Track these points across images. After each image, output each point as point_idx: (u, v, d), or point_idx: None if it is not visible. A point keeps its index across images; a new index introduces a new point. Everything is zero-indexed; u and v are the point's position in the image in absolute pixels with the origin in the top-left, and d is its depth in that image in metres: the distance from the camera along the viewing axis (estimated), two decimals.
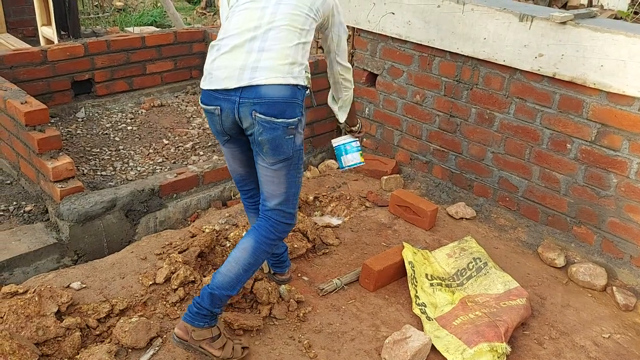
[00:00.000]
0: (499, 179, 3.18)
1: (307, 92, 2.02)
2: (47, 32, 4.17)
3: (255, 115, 1.90)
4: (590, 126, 2.75)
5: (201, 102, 2.03)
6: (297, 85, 1.93)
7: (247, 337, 2.20)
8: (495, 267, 2.66)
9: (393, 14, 3.34)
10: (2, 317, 2.12)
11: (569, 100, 2.78)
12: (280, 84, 1.90)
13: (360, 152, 2.60)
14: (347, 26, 3.70)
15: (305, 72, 1.99)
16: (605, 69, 2.59)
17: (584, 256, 2.87)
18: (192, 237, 2.72)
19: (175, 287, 2.38)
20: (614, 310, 2.59)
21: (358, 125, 2.60)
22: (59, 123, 3.76)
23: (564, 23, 2.65)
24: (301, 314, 2.35)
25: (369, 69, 3.65)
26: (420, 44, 3.29)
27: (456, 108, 3.27)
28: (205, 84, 1.99)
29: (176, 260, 2.46)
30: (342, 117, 2.46)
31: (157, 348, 2.11)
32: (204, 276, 2.47)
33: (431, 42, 3.22)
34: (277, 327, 2.29)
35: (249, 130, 1.97)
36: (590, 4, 2.95)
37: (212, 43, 2.04)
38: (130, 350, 2.09)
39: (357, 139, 2.60)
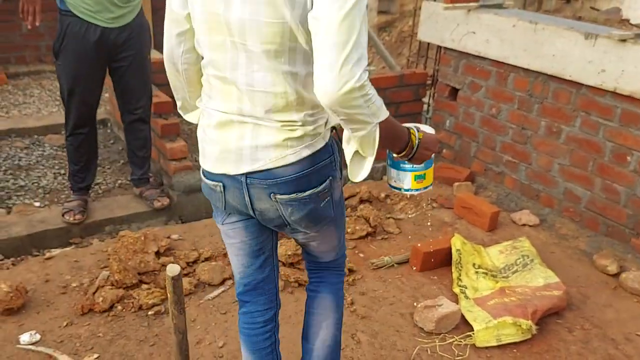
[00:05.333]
0: (564, 189, 3.32)
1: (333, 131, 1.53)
2: None
3: (275, 198, 1.46)
4: None
5: (201, 173, 1.58)
6: (316, 151, 1.44)
7: (300, 289, 2.60)
8: (540, 264, 2.82)
9: (474, 33, 3.65)
10: (116, 251, 2.73)
11: (630, 114, 2.91)
12: (294, 163, 1.42)
13: (416, 175, 1.60)
14: (435, 45, 4.03)
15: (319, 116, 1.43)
16: None
17: None
18: None
19: None
20: None
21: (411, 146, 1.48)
22: (182, 122, 4.47)
23: (623, 40, 2.81)
24: (351, 280, 2.71)
25: (452, 84, 3.96)
26: (497, 61, 3.56)
27: (527, 121, 3.47)
28: (200, 158, 1.56)
29: None
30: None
31: (227, 287, 2.59)
32: None
33: (506, 58, 3.47)
34: None
35: (267, 214, 1.51)
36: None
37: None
38: (207, 285, 2.59)
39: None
